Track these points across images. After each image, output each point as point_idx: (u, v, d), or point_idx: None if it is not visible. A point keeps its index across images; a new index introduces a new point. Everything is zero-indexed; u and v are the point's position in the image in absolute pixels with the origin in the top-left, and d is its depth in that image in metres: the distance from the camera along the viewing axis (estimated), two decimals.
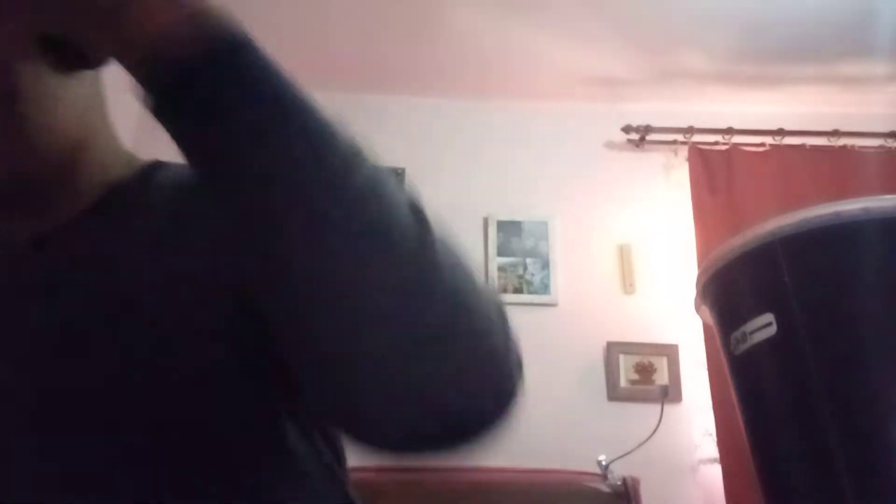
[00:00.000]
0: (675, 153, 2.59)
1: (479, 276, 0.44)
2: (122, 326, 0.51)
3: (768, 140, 2.54)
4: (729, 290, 1.29)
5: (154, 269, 0.52)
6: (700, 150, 2.53)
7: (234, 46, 0.40)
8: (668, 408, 2.21)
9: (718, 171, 2.49)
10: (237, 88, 0.39)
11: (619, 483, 1.83)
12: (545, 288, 2.43)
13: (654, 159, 2.63)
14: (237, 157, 0.39)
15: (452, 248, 0.43)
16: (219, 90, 0.38)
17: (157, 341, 0.50)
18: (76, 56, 0.47)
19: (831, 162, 2.49)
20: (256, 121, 0.38)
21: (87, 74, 0.53)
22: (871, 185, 2.38)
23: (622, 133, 2.61)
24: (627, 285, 2.44)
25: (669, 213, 2.53)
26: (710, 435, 2.18)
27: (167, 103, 0.39)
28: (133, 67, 0.40)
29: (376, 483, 1.80)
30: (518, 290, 2.43)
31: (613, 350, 2.34)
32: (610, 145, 2.66)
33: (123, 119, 0.66)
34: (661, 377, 2.31)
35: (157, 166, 0.62)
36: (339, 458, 0.59)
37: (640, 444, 2.06)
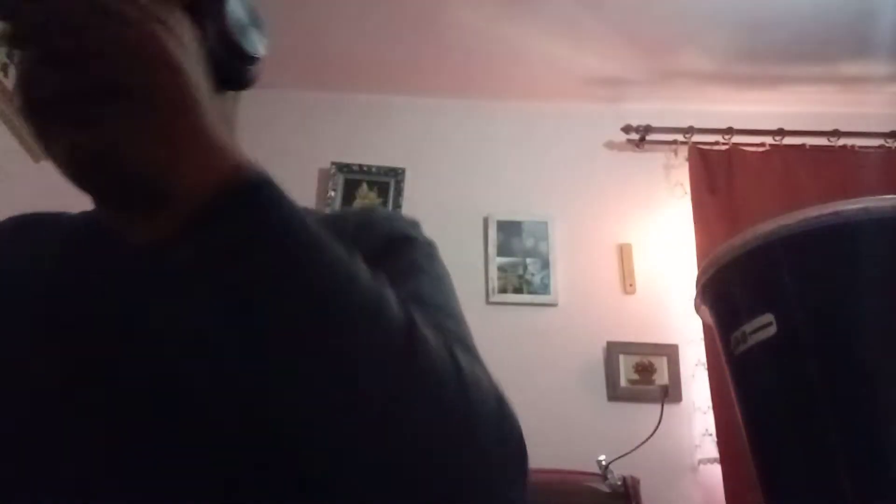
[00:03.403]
0: (675, 153, 2.59)
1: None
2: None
3: (768, 140, 2.54)
4: (729, 290, 1.29)
5: None
6: (700, 150, 2.53)
7: (269, 199, 0.41)
8: (668, 408, 2.20)
9: (718, 171, 2.49)
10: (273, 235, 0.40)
11: (619, 483, 1.83)
12: (545, 288, 2.43)
13: (654, 159, 2.63)
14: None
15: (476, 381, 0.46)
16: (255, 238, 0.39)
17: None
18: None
19: (831, 162, 2.49)
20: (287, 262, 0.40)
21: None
22: (871, 185, 2.38)
23: (622, 133, 2.61)
24: (627, 285, 2.44)
25: (669, 212, 2.53)
26: (710, 435, 2.18)
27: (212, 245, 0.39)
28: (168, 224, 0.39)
29: None
30: (518, 290, 2.43)
31: (613, 350, 2.34)
32: (610, 145, 2.66)
33: None
34: (661, 377, 2.31)
35: None
36: None
37: (640, 444, 2.05)
